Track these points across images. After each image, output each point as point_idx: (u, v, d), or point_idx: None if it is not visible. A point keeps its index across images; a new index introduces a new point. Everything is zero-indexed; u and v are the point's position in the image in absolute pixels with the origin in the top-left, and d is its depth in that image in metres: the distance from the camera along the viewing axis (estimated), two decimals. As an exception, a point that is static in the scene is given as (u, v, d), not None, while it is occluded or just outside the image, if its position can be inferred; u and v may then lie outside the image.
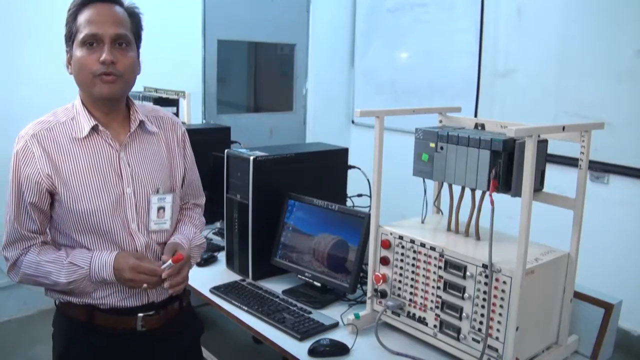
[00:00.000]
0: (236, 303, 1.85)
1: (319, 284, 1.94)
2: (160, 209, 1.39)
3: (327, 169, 2.22)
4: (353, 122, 4.62)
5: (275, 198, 2.07)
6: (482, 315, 1.42)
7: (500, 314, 1.38)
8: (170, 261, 1.30)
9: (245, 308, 1.82)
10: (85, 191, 1.29)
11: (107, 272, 1.29)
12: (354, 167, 2.29)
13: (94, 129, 1.32)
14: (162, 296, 1.41)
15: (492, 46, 3.52)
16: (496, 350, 1.40)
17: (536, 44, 3.27)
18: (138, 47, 1.36)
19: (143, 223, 1.37)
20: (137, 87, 2.68)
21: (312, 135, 4.49)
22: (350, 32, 4.55)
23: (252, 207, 1.99)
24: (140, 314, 1.38)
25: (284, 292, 1.95)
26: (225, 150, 2.12)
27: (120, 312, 1.37)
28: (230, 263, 2.16)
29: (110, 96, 1.30)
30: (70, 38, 1.29)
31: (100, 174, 1.31)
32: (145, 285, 1.29)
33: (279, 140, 4.21)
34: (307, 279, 1.97)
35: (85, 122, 1.31)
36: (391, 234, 1.65)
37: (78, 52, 1.27)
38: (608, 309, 1.58)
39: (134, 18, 1.35)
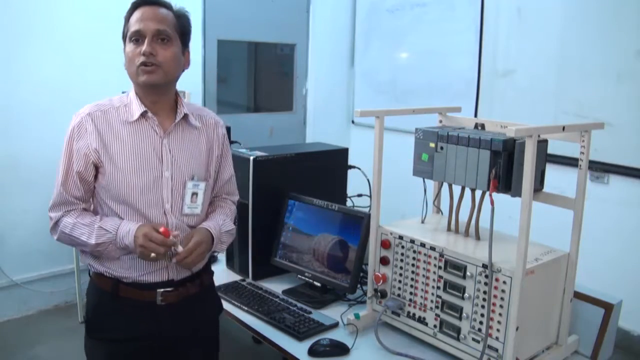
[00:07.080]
0: (236, 303, 1.86)
1: (319, 284, 1.94)
2: (194, 194, 1.51)
3: (327, 169, 2.21)
4: (353, 122, 4.62)
5: (275, 198, 2.07)
6: (482, 315, 1.42)
7: (500, 314, 1.39)
8: (178, 234, 1.43)
9: (245, 308, 1.82)
10: (128, 168, 1.43)
11: (129, 239, 1.40)
12: (354, 167, 2.29)
13: (143, 115, 1.46)
14: (182, 275, 1.51)
15: (492, 46, 3.51)
16: (496, 350, 1.40)
17: (536, 44, 3.26)
18: (185, 45, 1.50)
19: (177, 205, 1.49)
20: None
21: (312, 135, 4.48)
22: (350, 32, 4.55)
23: (252, 207, 1.99)
24: (160, 290, 1.48)
25: (284, 292, 1.95)
26: (225, 150, 2.12)
27: (142, 287, 1.48)
28: (230, 263, 2.16)
29: (150, 83, 1.42)
30: (124, 36, 1.45)
31: (142, 155, 1.45)
32: (153, 255, 1.38)
33: (279, 140, 4.20)
34: (307, 279, 1.97)
35: (136, 109, 1.46)
36: (391, 233, 1.65)
37: (127, 48, 1.44)
38: (608, 309, 1.58)
39: (180, 19, 1.48)
